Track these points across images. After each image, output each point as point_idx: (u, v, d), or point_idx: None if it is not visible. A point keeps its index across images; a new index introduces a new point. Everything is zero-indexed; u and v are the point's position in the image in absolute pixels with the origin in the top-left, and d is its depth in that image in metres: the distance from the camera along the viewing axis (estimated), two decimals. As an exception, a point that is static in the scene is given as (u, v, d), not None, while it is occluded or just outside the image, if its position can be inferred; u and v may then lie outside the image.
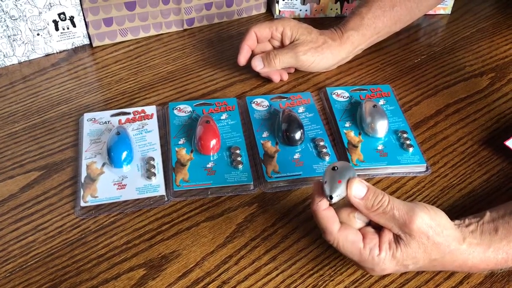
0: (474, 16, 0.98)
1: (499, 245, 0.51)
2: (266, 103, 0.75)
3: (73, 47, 0.87)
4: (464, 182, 0.66)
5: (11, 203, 0.62)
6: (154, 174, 0.64)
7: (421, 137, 0.72)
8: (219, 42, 0.90)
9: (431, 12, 0.97)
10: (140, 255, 0.57)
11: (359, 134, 0.71)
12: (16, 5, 0.78)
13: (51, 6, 0.81)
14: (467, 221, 0.53)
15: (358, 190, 0.50)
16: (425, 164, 0.67)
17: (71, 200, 0.63)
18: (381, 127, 0.69)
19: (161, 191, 0.63)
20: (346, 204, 0.52)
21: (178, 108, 0.74)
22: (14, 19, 0.79)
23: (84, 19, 0.84)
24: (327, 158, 0.67)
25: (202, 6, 0.91)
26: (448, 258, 0.51)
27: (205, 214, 0.61)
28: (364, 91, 0.78)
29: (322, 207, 0.51)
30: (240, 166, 0.65)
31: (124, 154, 0.65)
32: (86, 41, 0.88)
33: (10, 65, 0.83)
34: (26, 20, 0.80)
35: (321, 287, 0.55)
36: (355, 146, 0.69)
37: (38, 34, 0.82)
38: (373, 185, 0.64)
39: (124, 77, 0.82)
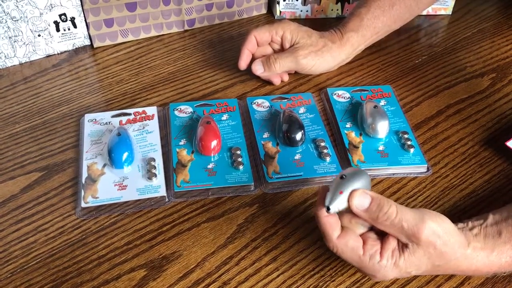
0: (475, 16, 0.98)
1: (503, 248, 0.51)
2: (266, 103, 0.75)
3: (74, 48, 0.87)
4: (465, 182, 0.66)
5: (12, 203, 0.62)
6: (155, 175, 0.64)
7: (422, 138, 0.72)
8: (220, 43, 0.90)
9: (432, 13, 0.97)
10: (141, 255, 0.57)
11: (360, 134, 0.71)
12: (17, 6, 0.78)
13: (52, 7, 0.81)
14: (470, 224, 0.53)
15: (360, 201, 0.49)
16: (426, 165, 0.67)
17: (72, 201, 0.63)
18: (382, 128, 0.69)
19: (162, 192, 0.63)
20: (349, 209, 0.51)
21: (179, 109, 0.74)
22: (15, 20, 0.79)
23: (85, 20, 0.85)
24: (328, 158, 0.67)
25: (203, 7, 0.91)
26: (452, 264, 0.50)
27: (206, 215, 0.61)
28: (365, 92, 0.78)
29: (324, 213, 0.50)
30: (241, 167, 0.65)
31: (125, 155, 0.65)
32: (87, 42, 0.88)
33: (11, 66, 0.83)
34: (27, 21, 0.80)
35: (322, 288, 0.55)
36: (356, 147, 0.69)
37: (39, 35, 0.82)
38: (374, 186, 0.65)
39: (125, 78, 0.82)
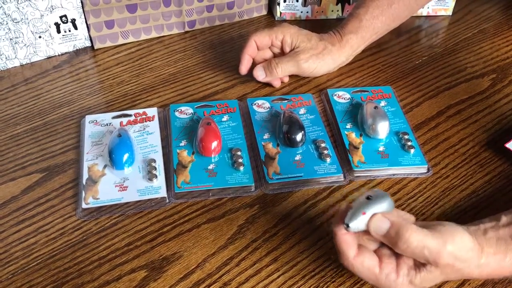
0: (475, 17, 0.98)
1: None
2: (267, 104, 0.76)
3: (75, 49, 0.87)
4: (465, 183, 0.66)
5: (12, 205, 0.62)
6: (156, 176, 0.64)
7: (422, 138, 0.72)
8: (220, 44, 0.90)
9: (432, 14, 0.97)
10: (142, 256, 0.57)
11: (360, 135, 0.71)
12: (18, 8, 0.78)
13: (53, 9, 0.81)
14: (482, 226, 0.51)
15: (378, 227, 0.48)
16: (427, 166, 0.67)
17: (72, 202, 0.63)
18: (382, 129, 0.69)
19: (163, 193, 0.63)
20: None
21: (180, 110, 0.74)
22: (16, 22, 0.79)
23: (86, 22, 0.85)
24: (328, 159, 0.67)
25: (204, 8, 0.91)
26: (466, 274, 0.50)
27: (206, 216, 0.62)
28: (365, 93, 0.78)
29: (342, 230, 0.49)
30: (241, 168, 0.65)
31: (126, 156, 0.65)
32: (88, 44, 0.88)
33: (12, 67, 0.83)
34: (28, 22, 0.80)
35: (323, 289, 0.55)
36: (356, 148, 0.69)
37: (40, 37, 0.83)
38: (374, 186, 0.65)
39: (125, 79, 0.82)
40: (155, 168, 0.65)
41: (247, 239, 0.59)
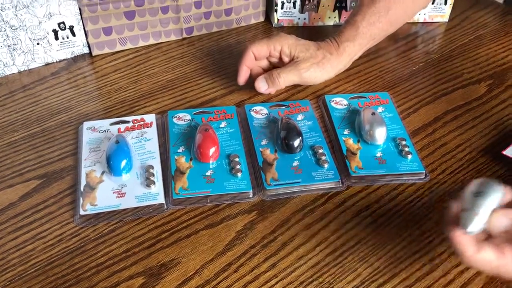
0: (471, 23, 0.98)
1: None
2: (265, 111, 0.76)
3: (73, 56, 0.87)
4: (462, 189, 0.66)
5: (10, 211, 0.62)
6: (154, 182, 0.64)
7: (420, 144, 0.72)
8: (218, 51, 0.90)
9: (428, 20, 0.97)
10: (140, 263, 0.57)
11: (358, 141, 0.71)
12: (16, 15, 0.78)
13: (51, 16, 0.81)
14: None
15: (497, 227, 0.48)
16: (424, 171, 0.67)
17: (70, 209, 0.63)
18: (380, 135, 0.69)
19: (160, 199, 0.63)
20: None
21: (177, 117, 0.74)
22: (14, 29, 0.79)
23: (84, 28, 0.85)
24: (326, 165, 0.67)
25: (201, 15, 0.92)
26: None
27: (204, 222, 0.62)
28: (363, 99, 0.78)
29: (455, 233, 0.48)
30: (239, 174, 0.65)
31: (123, 163, 0.65)
32: (86, 50, 0.88)
33: (10, 74, 0.83)
34: (26, 29, 0.80)
35: (321, 295, 0.55)
36: (354, 154, 0.69)
37: (38, 44, 0.83)
38: (372, 193, 0.65)
39: (123, 85, 0.82)
40: (153, 175, 0.65)
41: (245, 245, 0.59)
